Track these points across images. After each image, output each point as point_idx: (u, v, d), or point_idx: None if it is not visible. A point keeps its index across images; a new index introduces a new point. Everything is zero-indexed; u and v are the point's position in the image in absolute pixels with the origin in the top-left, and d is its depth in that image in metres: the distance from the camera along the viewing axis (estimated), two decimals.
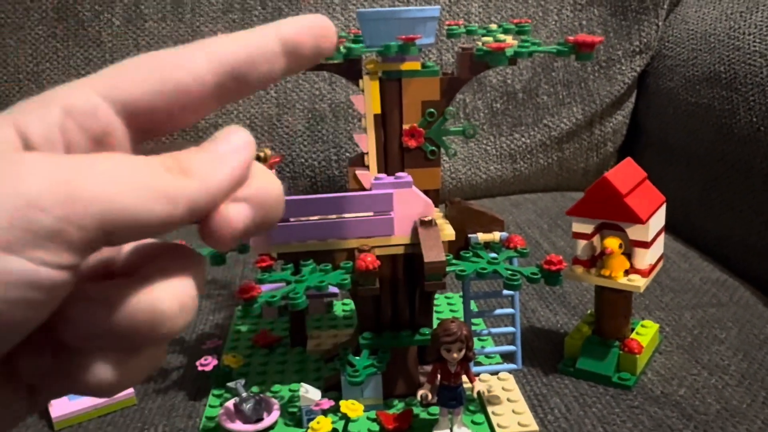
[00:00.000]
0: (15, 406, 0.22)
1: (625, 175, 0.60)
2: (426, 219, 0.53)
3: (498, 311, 0.63)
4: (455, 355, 0.51)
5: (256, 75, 0.23)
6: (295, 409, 0.57)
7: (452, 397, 0.53)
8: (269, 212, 0.23)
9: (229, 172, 0.22)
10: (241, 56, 0.23)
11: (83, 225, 0.19)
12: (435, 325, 0.53)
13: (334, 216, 0.53)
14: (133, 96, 0.22)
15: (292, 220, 0.53)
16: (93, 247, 0.19)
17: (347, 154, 1.04)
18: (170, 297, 0.21)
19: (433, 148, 0.59)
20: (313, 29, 0.24)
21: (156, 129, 0.23)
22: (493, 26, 0.63)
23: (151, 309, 0.21)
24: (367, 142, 0.59)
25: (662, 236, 0.63)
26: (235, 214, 0.22)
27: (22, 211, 0.18)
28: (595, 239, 0.60)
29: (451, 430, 0.53)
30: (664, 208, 0.62)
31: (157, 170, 0.20)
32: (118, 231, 0.19)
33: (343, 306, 0.76)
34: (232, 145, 0.22)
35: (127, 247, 0.24)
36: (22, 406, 0.22)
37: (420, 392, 0.53)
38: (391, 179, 0.54)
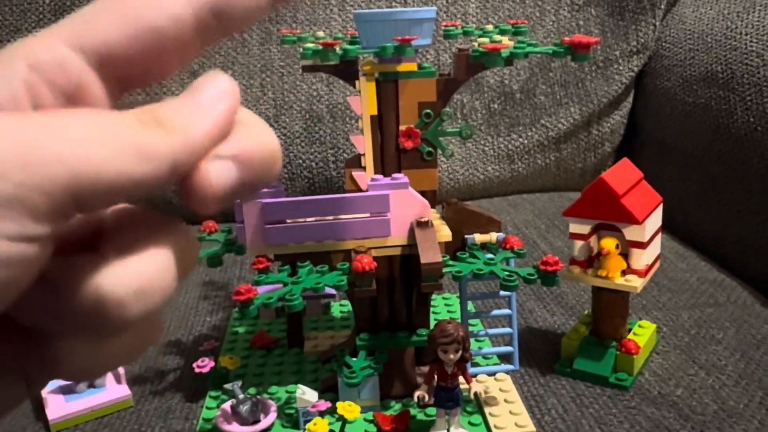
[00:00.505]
0: (8, 389, 0.20)
1: (622, 175, 0.60)
2: (423, 220, 0.53)
3: (495, 312, 0.63)
4: (452, 356, 0.51)
5: (239, 8, 0.21)
6: (292, 411, 0.57)
7: (449, 398, 0.53)
8: (260, 171, 0.20)
9: (211, 123, 0.19)
10: None
11: (48, 191, 0.16)
12: (432, 326, 0.53)
13: (330, 217, 0.53)
14: (105, 43, 0.20)
15: (289, 221, 0.53)
16: (64, 215, 0.17)
17: (345, 155, 1.04)
18: (118, 280, 0.19)
19: (430, 149, 0.59)
20: None
21: (134, 80, 0.21)
22: (490, 27, 0.63)
23: (95, 293, 0.18)
24: (364, 144, 0.59)
25: (659, 236, 0.63)
26: (217, 174, 0.19)
27: None
28: (592, 240, 0.60)
29: (448, 431, 0.53)
30: (661, 208, 0.62)
31: (131, 125, 0.18)
32: (89, 195, 0.17)
33: (341, 307, 0.76)
34: (214, 94, 0.20)
35: (104, 216, 0.22)
36: (18, 388, 0.21)
37: (417, 393, 0.53)
38: (387, 180, 0.54)
